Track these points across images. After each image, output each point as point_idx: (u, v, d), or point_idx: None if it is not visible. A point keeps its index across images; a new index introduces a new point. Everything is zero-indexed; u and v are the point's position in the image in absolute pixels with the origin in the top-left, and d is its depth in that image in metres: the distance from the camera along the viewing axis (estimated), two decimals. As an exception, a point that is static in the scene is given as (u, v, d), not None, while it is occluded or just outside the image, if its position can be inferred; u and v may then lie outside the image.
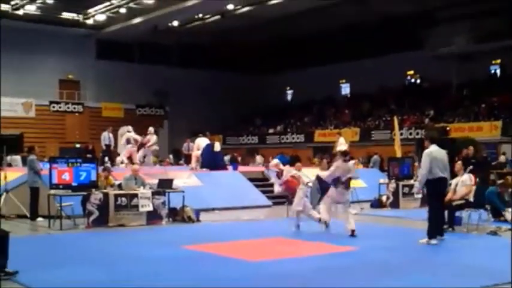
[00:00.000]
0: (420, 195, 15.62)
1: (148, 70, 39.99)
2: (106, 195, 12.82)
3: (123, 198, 12.92)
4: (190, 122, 37.97)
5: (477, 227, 11.55)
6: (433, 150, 10.30)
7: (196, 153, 20.15)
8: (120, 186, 13.47)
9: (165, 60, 41.52)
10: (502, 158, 23.91)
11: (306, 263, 8.50)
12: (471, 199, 11.75)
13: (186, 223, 13.40)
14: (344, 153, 11.59)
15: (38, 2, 33.77)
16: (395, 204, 16.81)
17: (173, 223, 13.45)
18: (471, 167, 13.04)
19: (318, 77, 38.86)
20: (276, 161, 12.73)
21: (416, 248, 9.90)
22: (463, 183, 11.75)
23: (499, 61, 33.59)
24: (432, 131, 21.08)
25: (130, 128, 21.19)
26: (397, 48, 34.18)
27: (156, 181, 14.11)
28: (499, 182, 14.06)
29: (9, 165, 19.39)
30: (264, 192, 17.48)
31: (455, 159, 13.69)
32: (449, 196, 11.44)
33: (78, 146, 32.80)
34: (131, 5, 33.70)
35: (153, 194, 13.30)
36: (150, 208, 13.15)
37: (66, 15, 36.68)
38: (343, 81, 41.61)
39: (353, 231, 10.92)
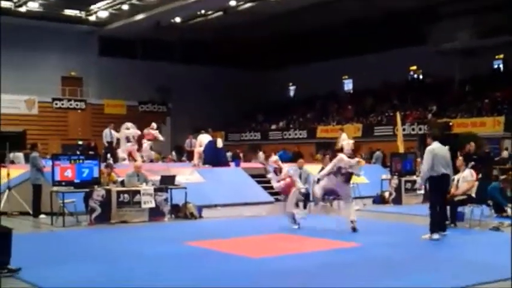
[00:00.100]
0: (422, 191, 15.58)
1: (150, 67, 39.97)
2: (108, 191, 12.84)
3: (126, 195, 12.95)
4: (192, 118, 37.94)
5: (479, 223, 11.53)
6: (435, 147, 10.31)
7: (198, 149, 20.16)
8: (122, 183, 13.50)
9: (168, 56, 41.49)
10: (504, 154, 23.83)
11: (308, 259, 8.50)
12: (473, 194, 11.74)
13: (188, 220, 13.42)
14: (341, 150, 11.57)
15: (40, -2, 33.87)
16: (397, 200, 16.77)
17: (175, 220, 13.47)
18: (473, 162, 13.03)
19: (320, 73, 38.79)
20: (275, 157, 12.66)
21: (418, 244, 9.89)
22: (464, 179, 11.74)
23: (502, 56, 33.49)
24: (435, 127, 21.04)
25: (129, 124, 21.19)
26: (400, 43, 34.09)
27: (158, 178, 14.11)
28: (502, 177, 14.04)
29: (12, 162, 19.41)
30: (266, 188, 17.47)
31: (457, 154, 13.67)
32: (451, 192, 11.43)
33: (80, 143, 32.77)
34: (134, 1, 33.74)
35: (156, 190, 13.33)
36: (153, 205, 13.18)
37: (68, 12, 36.66)
38: (346, 76, 41.52)
39: (352, 221, 10.92)
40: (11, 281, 7.21)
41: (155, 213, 13.23)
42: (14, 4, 33.74)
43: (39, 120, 36.29)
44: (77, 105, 38.77)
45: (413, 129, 29.49)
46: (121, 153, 20.50)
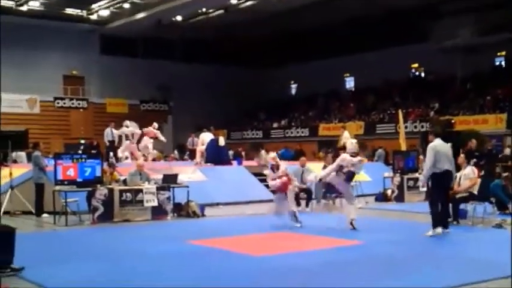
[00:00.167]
0: (425, 189, 15.55)
1: (152, 65, 39.97)
2: (111, 190, 12.86)
3: (128, 194, 12.96)
4: (194, 117, 37.96)
5: (482, 220, 11.53)
6: (437, 144, 10.33)
7: (200, 148, 20.17)
8: (125, 182, 13.51)
9: (169, 55, 41.50)
10: (507, 151, 23.79)
11: (311, 257, 8.50)
12: (475, 192, 11.73)
13: (191, 218, 13.43)
14: (344, 148, 11.56)
15: (41, -3, 33.89)
16: (400, 198, 16.78)
17: (178, 218, 13.48)
18: (475, 159, 13.01)
19: (322, 71, 38.75)
20: (273, 154, 12.56)
21: (421, 241, 9.89)
22: (466, 177, 11.74)
23: (504, 53, 33.45)
24: (437, 125, 21.00)
25: (128, 122, 21.21)
26: (402, 41, 34.05)
27: (160, 176, 14.13)
28: (504, 174, 14.03)
29: (15, 161, 19.49)
30: (268, 186, 17.42)
31: (460, 152, 13.66)
32: (453, 189, 11.43)
33: (83, 142, 32.83)
34: (135, 0, 33.71)
35: (158, 189, 13.34)
36: (155, 203, 13.20)
37: (69, 10, 36.70)
38: (347, 74, 41.51)
39: (352, 220, 10.93)
40: (14, 280, 7.22)
41: (158, 212, 13.24)
42: (15, 3, 33.77)
43: (41, 120, 36.30)
44: (78, 104, 38.81)
45: (415, 127, 29.48)
46: (120, 152, 20.49)
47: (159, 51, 40.90)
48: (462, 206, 11.74)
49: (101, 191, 12.71)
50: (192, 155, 22.96)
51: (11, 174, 13.87)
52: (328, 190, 14.38)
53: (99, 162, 13.26)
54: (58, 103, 38.06)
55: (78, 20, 37.54)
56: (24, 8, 34.25)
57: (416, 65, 37.45)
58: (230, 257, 8.70)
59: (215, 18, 36.24)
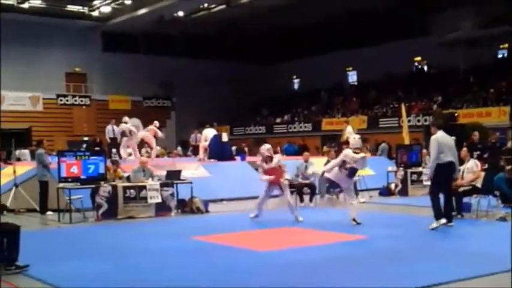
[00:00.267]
0: (429, 182, 15.56)
1: (154, 61, 39.95)
2: (115, 187, 12.87)
3: (132, 191, 12.97)
4: (197, 113, 37.96)
5: (486, 214, 11.52)
6: (439, 136, 10.34)
7: (203, 144, 20.17)
8: (128, 179, 13.52)
9: (171, 51, 41.44)
10: (510, 144, 23.71)
11: (314, 252, 8.51)
12: (478, 185, 11.71)
13: (194, 214, 13.45)
14: (347, 143, 11.53)
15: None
16: (404, 192, 16.76)
17: (182, 214, 13.50)
18: (478, 152, 12.97)
19: (324, 66, 38.71)
20: (268, 145, 12.43)
21: (425, 235, 9.88)
22: (469, 170, 11.72)
23: (506, 45, 33.35)
24: (439, 118, 20.97)
25: (126, 118, 21.23)
26: (404, 34, 33.98)
27: (164, 173, 14.13)
28: (508, 167, 13.97)
29: (18, 159, 19.50)
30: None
31: (463, 145, 13.64)
32: (456, 182, 11.42)
33: (86, 139, 32.87)
34: (136, -4, 33.78)
35: (162, 185, 13.36)
36: (159, 200, 13.21)
37: (71, 7, 36.73)
38: (350, 69, 41.45)
39: (354, 219, 10.95)
40: (19, 278, 7.24)
41: (161, 208, 13.26)
42: (16, 1, 33.77)
43: (44, 117, 36.40)
44: (81, 101, 38.84)
45: (418, 121, 29.43)
46: (124, 153, 20.48)
47: (161, 47, 40.87)
48: (466, 199, 11.73)
49: (105, 188, 12.73)
50: (195, 151, 22.98)
51: (14, 172, 13.88)
52: (332, 185, 14.35)
53: (103, 159, 13.27)
54: (61, 100, 38.10)
55: (79, 17, 37.55)
56: (26, 5, 34.29)
57: (418, 58, 37.35)
58: (234, 252, 8.72)
59: (217, 14, 36.14)
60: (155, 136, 21.54)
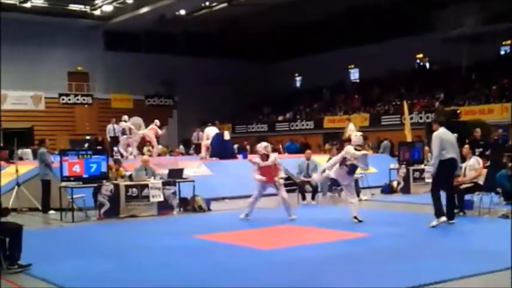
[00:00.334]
0: (431, 180, 15.55)
1: (156, 60, 39.95)
2: (117, 186, 12.88)
3: (134, 189, 12.98)
4: (199, 111, 37.93)
5: (489, 211, 11.51)
6: (441, 132, 10.34)
7: (205, 142, 20.16)
8: (130, 177, 13.53)
9: (172, 49, 41.43)
10: (512, 141, 23.68)
11: (316, 250, 8.50)
12: (480, 182, 11.69)
13: (197, 213, 13.46)
14: (349, 140, 11.52)
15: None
16: (406, 190, 16.74)
17: (184, 213, 13.51)
18: (480, 149, 12.95)
19: (326, 63, 38.66)
20: (265, 143, 12.43)
21: (427, 233, 9.88)
22: (471, 168, 11.71)
23: (509, 42, 33.28)
24: (441, 115, 20.96)
25: (126, 117, 21.30)
26: (406, 31, 33.91)
27: (166, 171, 14.15)
28: (510, 164, 13.95)
29: (20, 158, 19.54)
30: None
31: (465, 142, 13.62)
32: (458, 181, 11.41)
33: (88, 138, 32.89)
34: (138, -6, 33.77)
35: (164, 184, 13.36)
36: (161, 198, 13.22)
37: (73, 6, 36.73)
38: (352, 66, 41.41)
39: (355, 217, 10.96)
40: (22, 276, 7.26)
41: (164, 207, 13.26)
42: (19, 0, 33.78)
43: (46, 116, 36.42)
44: (83, 100, 38.85)
45: (420, 118, 29.36)
46: (124, 151, 20.52)
47: (162, 46, 40.85)
48: (468, 196, 11.72)
49: (107, 187, 12.74)
50: (198, 149, 22.98)
51: (17, 171, 13.90)
52: (334, 183, 14.35)
53: (105, 158, 13.29)
54: (63, 99, 38.11)
55: (81, 16, 37.55)
56: (28, 4, 34.29)
57: (421, 55, 37.28)
58: (237, 250, 8.73)
59: (218, 12, 36.11)
60: (156, 135, 21.57)
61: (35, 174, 14.43)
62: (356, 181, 13.56)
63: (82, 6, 36.94)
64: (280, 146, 29.87)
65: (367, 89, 37.61)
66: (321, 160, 15.70)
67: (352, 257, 8.03)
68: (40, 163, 14.01)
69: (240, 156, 21.06)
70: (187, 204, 13.74)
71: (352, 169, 11.13)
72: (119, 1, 35.33)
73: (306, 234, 10.19)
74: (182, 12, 36.72)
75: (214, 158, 19.23)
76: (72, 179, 12.76)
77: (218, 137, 19.87)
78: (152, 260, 8.08)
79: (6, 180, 14.07)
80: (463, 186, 11.54)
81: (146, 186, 13.11)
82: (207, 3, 35.72)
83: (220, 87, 41.18)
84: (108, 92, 39.46)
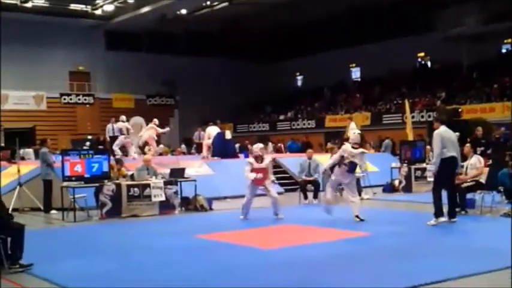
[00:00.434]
0: (433, 179, 15.54)
1: (157, 59, 39.94)
2: (118, 186, 12.89)
3: (136, 189, 12.99)
4: (200, 110, 37.95)
5: (491, 209, 11.50)
6: (442, 131, 10.35)
7: (207, 141, 20.18)
8: (132, 177, 13.54)
9: (174, 49, 41.41)
10: (514, 139, 23.65)
11: (318, 250, 8.50)
12: (482, 181, 11.69)
13: (198, 212, 13.47)
14: (348, 139, 11.55)
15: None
16: (407, 188, 16.75)
17: (186, 212, 13.52)
18: (482, 148, 12.94)
19: (327, 62, 38.64)
20: (261, 145, 12.46)
21: (429, 232, 9.88)
22: (472, 166, 11.70)
23: (510, 41, 33.24)
24: (443, 113, 20.95)
25: (123, 117, 21.33)
26: (407, 30, 33.89)
27: (168, 171, 14.15)
28: (511, 163, 13.94)
29: (22, 158, 19.56)
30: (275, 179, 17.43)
31: (467, 140, 13.61)
32: (459, 178, 11.40)
33: (89, 137, 32.90)
34: (139, -6, 33.77)
35: (165, 183, 13.37)
36: (163, 198, 13.23)
37: (74, 6, 36.71)
38: (353, 65, 41.39)
39: (357, 216, 10.98)
40: (23, 276, 7.27)
41: (165, 207, 13.28)
42: (19, 0, 33.79)
43: (48, 116, 36.40)
44: (85, 99, 38.83)
45: (422, 117, 29.35)
46: (118, 150, 20.54)
47: (164, 46, 40.82)
48: (470, 195, 11.71)
49: (109, 187, 12.76)
50: (199, 148, 22.99)
51: (19, 171, 13.92)
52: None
53: (106, 158, 13.31)
54: (64, 99, 38.09)
55: (82, 16, 37.54)
56: (29, 4, 34.28)
57: (422, 54, 37.27)
58: (238, 250, 8.73)
59: (219, 11, 36.09)
60: (156, 134, 21.56)
61: (36, 174, 14.46)
62: (358, 180, 13.56)
63: (83, 6, 36.93)
64: (282, 146, 29.90)
65: (368, 88, 37.59)
66: (322, 159, 15.70)
67: (353, 256, 8.03)
68: (42, 163, 14.03)
69: (241, 156, 21.06)
70: (189, 204, 13.76)
71: (351, 167, 11.13)
72: (120, 1, 35.33)
73: (307, 234, 10.19)
74: (183, 11, 36.72)
75: (215, 158, 19.25)
76: (73, 178, 12.76)
77: (220, 136, 19.89)
78: (154, 259, 8.08)
79: (8, 180, 14.10)
80: (465, 184, 11.53)
81: (148, 185, 13.12)
82: (208, 3, 35.71)
83: (222, 86, 41.19)
84: (110, 91, 39.44)
